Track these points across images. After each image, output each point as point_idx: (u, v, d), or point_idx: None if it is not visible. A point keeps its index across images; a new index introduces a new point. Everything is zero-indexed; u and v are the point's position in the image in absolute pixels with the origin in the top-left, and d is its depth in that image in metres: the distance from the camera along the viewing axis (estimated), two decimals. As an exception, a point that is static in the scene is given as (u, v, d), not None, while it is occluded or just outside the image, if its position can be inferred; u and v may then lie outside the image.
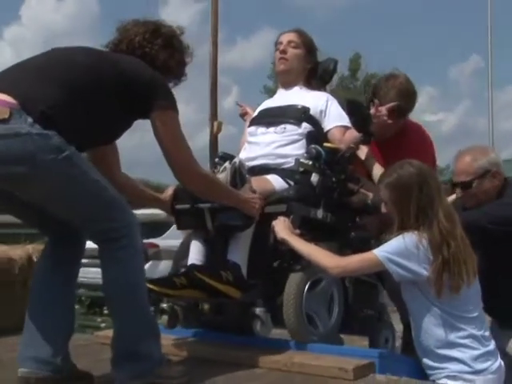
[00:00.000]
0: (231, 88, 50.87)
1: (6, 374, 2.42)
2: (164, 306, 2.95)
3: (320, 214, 2.90)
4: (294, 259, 2.80)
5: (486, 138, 18.97)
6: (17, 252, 4.16)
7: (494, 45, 21.36)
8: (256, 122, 3.35)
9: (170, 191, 2.93)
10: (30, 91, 2.20)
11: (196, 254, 2.91)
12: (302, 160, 2.92)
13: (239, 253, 2.78)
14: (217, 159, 3.33)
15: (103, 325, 5.96)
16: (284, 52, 3.33)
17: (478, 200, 3.05)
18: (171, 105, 2.45)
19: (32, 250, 4.21)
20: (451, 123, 54.30)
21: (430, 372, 2.62)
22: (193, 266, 2.83)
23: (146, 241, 4.61)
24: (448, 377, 2.56)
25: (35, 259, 4.19)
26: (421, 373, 2.64)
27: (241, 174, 2.80)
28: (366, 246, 3.00)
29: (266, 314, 2.71)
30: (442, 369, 2.58)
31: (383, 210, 2.78)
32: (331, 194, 2.96)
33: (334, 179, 2.97)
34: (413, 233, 2.55)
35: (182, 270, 2.88)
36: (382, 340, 3.21)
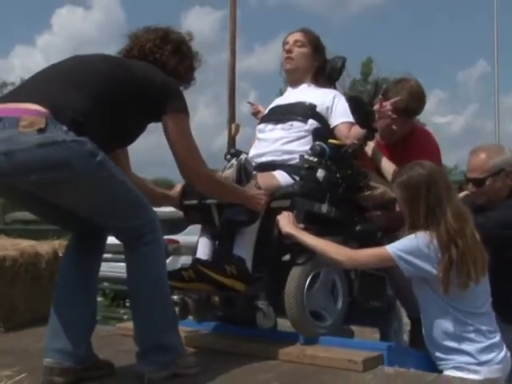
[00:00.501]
0: (249, 92, 51.39)
1: (33, 364, 2.45)
2: (175, 297, 2.95)
3: (325, 208, 2.91)
4: (298, 253, 2.81)
5: (492, 139, 19.03)
6: (44, 247, 4.20)
7: (500, 51, 21.47)
8: (265, 119, 3.38)
9: (178, 188, 2.98)
10: (58, 100, 2.24)
11: (203, 248, 2.96)
12: (306, 156, 2.94)
13: (244, 247, 2.81)
14: (228, 156, 3.36)
15: (126, 317, 6.01)
16: (290, 51, 3.35)
17: (488, 198, 3.06)
18: (183, 108, 2.49)
19: (58, 245, 4.26)
20: (459, 125, 55.06)
21: (438, 363, 2.67)
22: (198, 260, 2.88)
23: (166, 237, 4.65)
24: (455, 367, 2.60)
25: (61, 254, 4.24)
26: (428, 365, 2.66)
27: (246, 171, 2.83)
28: (371, 240, 3.01)
29: (269, 307, 2.72)
30: (450, 360, 2.63)
31: (397, 208, 2.79)
32: (337, 189, 2.96)
33: (338, 174, 2.97)
34: (425, 232, 2.58)
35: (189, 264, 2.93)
36: (392, 332, 3.25)
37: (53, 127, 2.14)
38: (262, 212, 2.80)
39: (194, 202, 2.86)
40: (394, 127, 3.38)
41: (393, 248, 2.60)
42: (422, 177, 2.65)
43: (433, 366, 2.65)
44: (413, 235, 2.60)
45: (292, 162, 3.04)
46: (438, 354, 2.67)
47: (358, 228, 3.07)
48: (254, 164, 3.14)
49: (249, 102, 3.92)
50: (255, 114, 3.76)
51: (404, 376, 2.42)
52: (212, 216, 2.82)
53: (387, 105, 3.09)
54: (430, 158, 3.16)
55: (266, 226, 2.86)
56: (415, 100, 3.39)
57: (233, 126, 3.99)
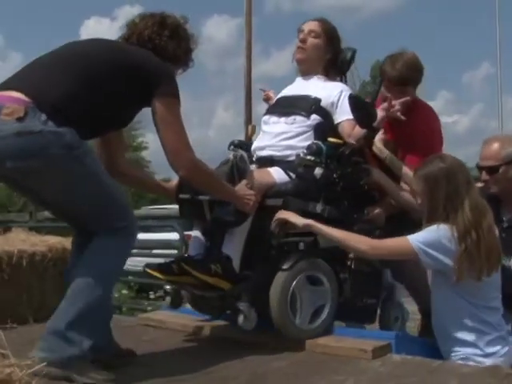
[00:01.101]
0: (266, 96, 51.49)
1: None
2: (167, 287, 2.94)
3: (319, 208, 2.80)
4: (288, 253, 2.74)
5: None
6: (70, 243, 4.26)
7: (503, 53, 21.85)
8: (270, 111, 3.27)
9: (175, 181, 2.91)
10: (40, 86, 2.22)
11: (195, 243, 2.89)
12: (302, 156, 2.83)
13: (233, 246, 2.72)
14: (232, 146, 3.33)
15: (149, 308, 6.04)
16: (303, 41, 3.21)
17: (502, 186, 3.04)
18: (174, 92, 2.42)
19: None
20: (465, 124, 56.15)
21: (446, 354, 2.67)
22: (181, 257, 2.81)
23: (186, 233, 4.69)
24: (461, 359, 2.59)
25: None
26: (434, 353, 2.67)
27: (239, 169, 2.73)
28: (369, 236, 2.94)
29: (250, 309, 2.61)
30: (457, 351, 2.63)
31: (418, 201, 2.77)
32: (334, 188, 2.86)
33: (336, 174, 2.86)
34: (446, 225, 2.58)
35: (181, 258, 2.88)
36: (391, 319, 3.17)
37: (32, 116, 2.11)
38: (252, 213, 2.70)
39: (188, 196, 2.78)
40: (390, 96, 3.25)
41: (415, 241, 2.57)
42: (442, 170, 2.64)
43: (438, 354, 2.66)
44: (434, 227, 2.59)
45: (291, 158, 2.94)
46: (446, 346, 2.67)
47: (356, 227, 2.94)
48: (254, 156, 3.11)
49: (261, 89, 3.81)
50: (266, 100, 3.65)
51: (411, 363, 2.44)
52: (204, 212, 2.72)
53: (396, 104, 3.02)
54: (431, 135, 3.25)
55: (258, 224, 2.76)
56: (410, 69, 3.27)
57: (249, 127, 3.97)
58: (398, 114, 3.05)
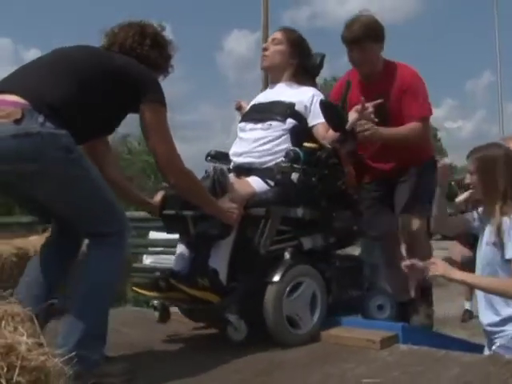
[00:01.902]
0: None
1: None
2: (155, 302, 2.92)
3: (300, 212, 2.81)
4: (275, 262, 2.70)
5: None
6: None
7: (504, 62, 22.78)
8: (246, 118, 3.22)
9: (159, 196, 2.82)
10: (35, 89, 2.16)
11: (180, 257, 2.85)
12: (280, 164, 2.81)
13: (219, 259, 2.68)
14: (208, 157, 3.32)
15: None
16: (265, 49, 3.21)
17: None
18: (160, 99, 2.37)
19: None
20: (468, 130, 57.87)
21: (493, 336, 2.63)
22: (170, 273, 2.74)
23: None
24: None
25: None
26: (438, 344, 2.66)
27: (220, 183, 2.67)
28: (349, 234, 3.10)
29: (240, 320, 2.57)
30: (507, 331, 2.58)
31: (467, 180, 2.73)
32: (313, 191, 2.86)
33: (314, 178, 2.86)
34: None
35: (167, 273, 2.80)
36: (374, 307, 3.11)
37: (29, 118, 2.05)
38: (235, 225, 2.66)
39: (172, 212, 2.72)
40: (354, 57, 3.31)
41: None
42: (500, 154, 2.63)
43: (442, 344, 2.66)
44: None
45: (269, 165, 2.90)
46: (496, 327, 2.61)
47: (336, 224, 2.98)
48: (232, 163, 3.09)
49: (234, 100, 3.76)
50: (238, 109, 3.62)
51: (416, 353, 2.48)
52: (188, 227, 2.66)
53: (369, 107, 2.96)
54: (423, 104, 3.30)
55: (242, 234, 2.73)
56: (365, 27, 3.25)
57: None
58: (372, 116, 2.98)
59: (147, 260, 7.80)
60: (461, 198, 6.85)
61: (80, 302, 2.18)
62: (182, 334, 3.00)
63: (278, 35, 3.23)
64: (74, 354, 1.67)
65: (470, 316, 7.44)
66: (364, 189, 3.57)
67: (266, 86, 4.84)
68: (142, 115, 2.33)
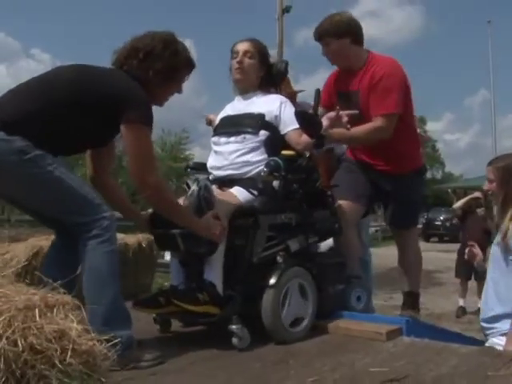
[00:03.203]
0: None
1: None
2: (154, 315, 2.83)
3: (286, 217, 2.78)
4: (268, 269, 2.64)
5: (492, 153, 20.33)
6: (131, 240, 4.49)
7: (497, 81, 24.65)
8: (218, 131, 3.10)
9: (150, 211, 2.73)
10: (3, 103, 2.21)
11: (176, 273, 2.80)
12: (262, 174, 2.76)
13: (213, 271, 2.61)
14: (188, 169, 3.28)
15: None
16: (241, 63, 3.04)
17: None
18: (140, 118, 2.26)
19: (142, 238, 4.49)
20: (465, 141, 60.07)
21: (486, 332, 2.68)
22: (172, 291, 2.67)
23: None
24: (502, 335, 2.56)
25: (144, 245, 4.44)
26: (439, 336, 2.69)
27: (205, 199, 2.59)
28: (330, 232, 3.06)
29: (243, 329, 2.51)
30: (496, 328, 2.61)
31: (485, 187, 2.76)
32: (295, 195, 2.82)
33: (294, 183, 2.80)
34: None
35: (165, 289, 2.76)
36: (353, 299, 3.07)
37: None
38: (221, 242, 2.57)
39: (161, 231, 2.63)
40: (323, 53, 3.28)
41: None
42: None
43: (442, 337, 2.69)
44: None
45: (249, 175, 2.85)
46: (489, 324, 2.64)
47: (317, 225, 2.94)
48: (211, 176, 2.99)
49: (203, 116, 3.65)
50: (209, 123, 3.51)
51: (418, 345, 2.53)
52: (178, 244, 2.56)
53: (343, 115, 2.86)
54: (389, 100, 3.12)
55: (233, 245, 2.66)
56: (336, 24, 3.21)
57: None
58: (348, 126, 2.88)
59: (167, 256, 7.84)
60: (458, 204, 6.96)
61: (88, 293, 2.17)
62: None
63: (250, 48, 3.09)
64: (116, 338, 1.73)
65: (463, 312, 7.48)
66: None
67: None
68: (122, 133, 2.29)
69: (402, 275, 3.61)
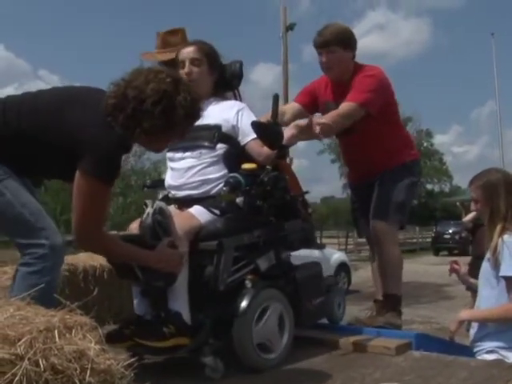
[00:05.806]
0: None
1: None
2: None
3: (253, 236, 2.56)
4: (236, 291, 2.45)
5: (500, 165, 20.53)
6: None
7: (505, 92, 25.35)
8: (173, 146, 2.72)
9: None
10: None
11: (139, 302, 2.54)
12: (222, 194, 2.50)
13: (178, 300, 2.40)
14: (145, 188, 3.12)
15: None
16: (189, 74, 2.74)
17: None
18: (92, 171, 1.99)
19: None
20: (473, 153, 60.68)
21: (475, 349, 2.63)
22: (136, 326, 2.39)
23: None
24: (487, 352, 2.53)
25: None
26: (448, 350, 2.68)
27: (161, 224, 2.34)
28: (304, 241, 2.87)
29: (215, 360, 2.32)
30: (484, 345, 2.58)
31: (472, 208, 2.73)
32: (260, 210, 2.56)
33: (259, 198, 2.53)
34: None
35: (130, 321, 2.48)
36: (335, 306, 3.03)
37: None
38: (179, 271, 2.32)
39: (118, 261, 2.36)
40: (322, 61, 3.24)
41: None
42: (500, 178, 2.63)
43: (451, 351, 2.67)
44: (506, 249, 2.49)
45: (210, 194, 2.61)
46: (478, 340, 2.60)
47: (289, 237, 2.74)
48: (170, 194, 2.75)
49: None
50: None
51: (428, 358, 2.53)
52: (137, 275, 2.29)
53: (315, 125, 2.62)
54: (361, 93, 3.07)
55: (197, 270, 2.46)
56: (334, 33, 3.20)
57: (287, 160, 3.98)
58: (321, 136, 2.73)
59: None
60: (468, 217, 6.93)
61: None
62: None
63: (196, 54, 2.80)
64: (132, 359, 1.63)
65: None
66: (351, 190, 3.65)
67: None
68: (75, 178, 2.04)
69: (381, 278, 3.38)
